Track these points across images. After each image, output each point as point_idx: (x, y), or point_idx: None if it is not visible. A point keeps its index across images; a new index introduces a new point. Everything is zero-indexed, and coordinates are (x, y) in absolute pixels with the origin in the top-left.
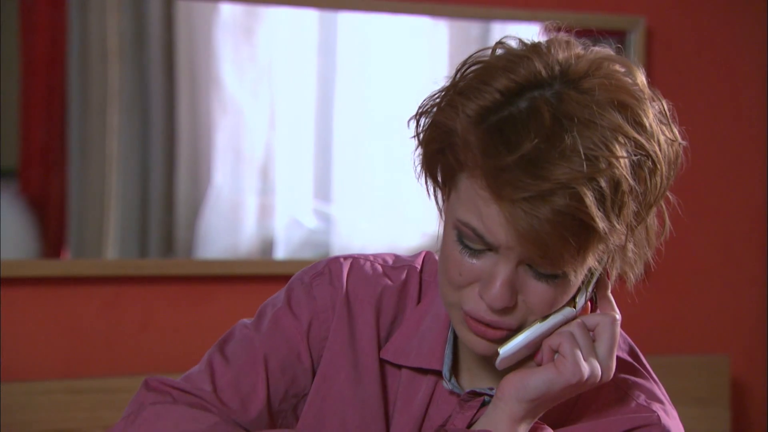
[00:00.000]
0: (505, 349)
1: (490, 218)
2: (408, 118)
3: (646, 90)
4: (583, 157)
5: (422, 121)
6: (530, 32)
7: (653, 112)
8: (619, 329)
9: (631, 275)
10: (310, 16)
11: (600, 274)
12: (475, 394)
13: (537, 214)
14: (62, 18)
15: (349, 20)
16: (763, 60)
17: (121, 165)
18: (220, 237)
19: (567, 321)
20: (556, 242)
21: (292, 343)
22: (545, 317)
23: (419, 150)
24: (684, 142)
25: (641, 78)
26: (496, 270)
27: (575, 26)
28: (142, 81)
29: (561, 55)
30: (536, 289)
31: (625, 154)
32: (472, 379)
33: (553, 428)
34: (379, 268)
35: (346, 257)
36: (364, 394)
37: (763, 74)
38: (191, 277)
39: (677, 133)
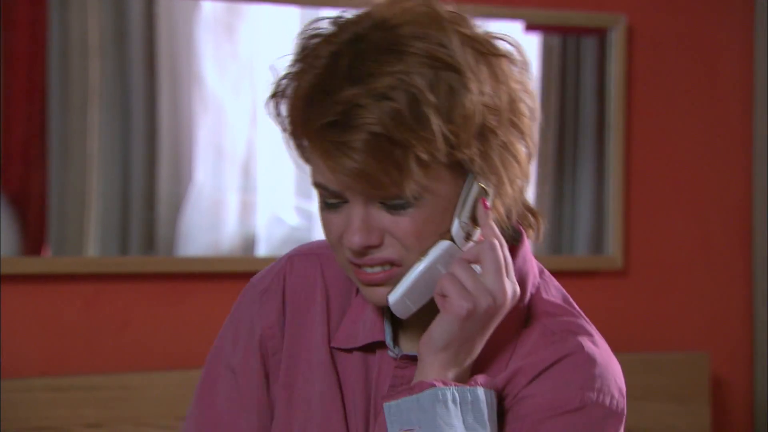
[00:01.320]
0: (393, 294)
1: (323, 165)
2: (264, 103)
3: (450, 17)
4: (369, 74)
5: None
6: (512, 29)
7: (465, 33)
8: (499, 252)
9: (504, 203)
10: (291, 13)
11: (473, 204)
12: (407, 358)
13: (346, 141)
14: (42, 14)
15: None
16: (744, 57)
17: (101, 162)
18: (201, 234)
19: (448, 254)
20: (374, 165)
21: (254, 384)
22: (424, 255)
23: (283, 134)
24: (504, 53)
25: (444, 7)
26: (350, 214)
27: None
28: (123, 78)
29: (378, 11)
30: (394, 223)
31: (418, 70)
32: (413, 347)
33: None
34: (325, 256)
35: (289, 257)
36: (322, 387)
37: (745, 71)
38: (172, 275)
39: (496, 48)
